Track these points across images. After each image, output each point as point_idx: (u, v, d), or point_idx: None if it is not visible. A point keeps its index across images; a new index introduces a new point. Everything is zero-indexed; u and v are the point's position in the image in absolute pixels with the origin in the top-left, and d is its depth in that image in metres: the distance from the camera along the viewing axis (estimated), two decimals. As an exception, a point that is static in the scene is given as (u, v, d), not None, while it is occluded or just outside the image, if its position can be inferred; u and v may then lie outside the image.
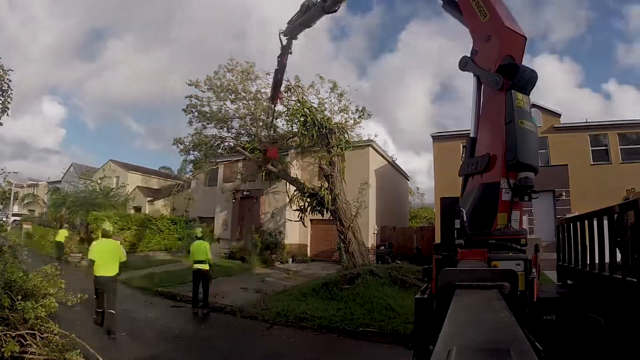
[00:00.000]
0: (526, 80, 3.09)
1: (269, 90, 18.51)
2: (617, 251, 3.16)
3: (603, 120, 17.73)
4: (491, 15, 3.29)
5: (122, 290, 10.81)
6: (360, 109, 16.14)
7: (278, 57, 8.88)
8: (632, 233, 2.93)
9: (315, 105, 14.97)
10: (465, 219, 2.87)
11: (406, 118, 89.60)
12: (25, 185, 42.73)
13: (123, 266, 7.20)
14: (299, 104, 14.32)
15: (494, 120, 3.14)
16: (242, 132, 20.65)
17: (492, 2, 3.33)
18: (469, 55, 3.48)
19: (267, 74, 15.73)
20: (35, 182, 42.59)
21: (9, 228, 10.54)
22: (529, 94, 3.16)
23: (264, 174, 17.78)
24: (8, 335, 4.09)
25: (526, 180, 2.93)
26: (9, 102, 6.24)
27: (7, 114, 6.31)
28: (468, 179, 3.36)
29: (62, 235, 16.07)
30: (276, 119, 12.30)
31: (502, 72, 3.12)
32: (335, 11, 6.82)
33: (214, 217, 21.20)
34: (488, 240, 2.82)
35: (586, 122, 17.74)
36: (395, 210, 23.22)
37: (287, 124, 16.43)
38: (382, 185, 20.16)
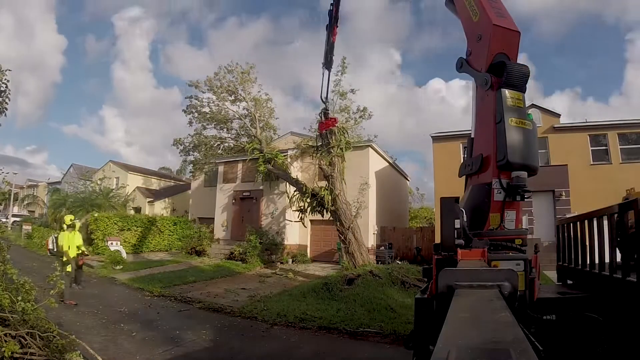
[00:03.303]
0: (516, 77, 2.99)
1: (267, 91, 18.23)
2: (617, 251, 3.16)
3: (603, 120, 17.72)
4: (481, 14, 3.24)
5: (123, 291, 10.89)
6: (361, 108, 16.09)
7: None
8: (632, 233, 2.93)
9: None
10: (465, 219, 2.88)
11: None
12: (25, 186, 42.82)
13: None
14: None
15: (486, 120, 3.11)
16: (242, 132, 20.69)
17: (483, 1, 3.27)
18: (464, 57, 3.46)
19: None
20: (35, 183, 42.67)
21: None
22: (523, 91, 3.06)
23: (263, 174, 17.76)
24: (8, 335, 4.08)
25: (518, 179, 2.85)
26: (7, 102, 6.15)
27: (5, 114, 6.24)
28: (468, 179, 3.37)
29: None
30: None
31: (494, 71, 3.06)
32: None
33: (213, 218, 21.19)
34: (488, 240, 2.82)
35: (586, 122, 17.73)
36: (395, 210, 23.20)
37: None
38: (382, 186, 20.14)
